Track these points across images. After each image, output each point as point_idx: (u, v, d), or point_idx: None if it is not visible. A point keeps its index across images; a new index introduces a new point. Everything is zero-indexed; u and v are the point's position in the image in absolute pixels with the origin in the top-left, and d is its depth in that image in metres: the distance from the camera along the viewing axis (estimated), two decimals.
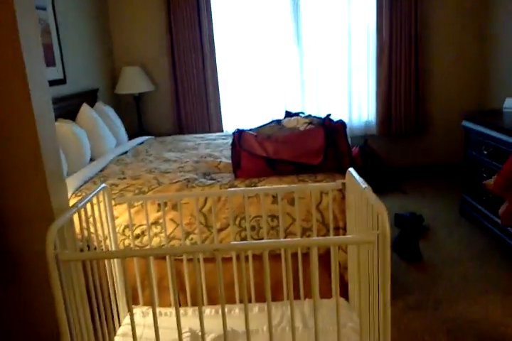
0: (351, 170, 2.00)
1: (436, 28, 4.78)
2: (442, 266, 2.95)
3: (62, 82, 3.74)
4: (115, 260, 1.99)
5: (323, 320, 1.84)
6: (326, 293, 2.23)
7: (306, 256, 2.22)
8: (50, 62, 3.56)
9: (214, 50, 4.79)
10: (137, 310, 2.08)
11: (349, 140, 3.06)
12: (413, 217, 3.50)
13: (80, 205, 1.59)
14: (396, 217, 3.53)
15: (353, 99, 4.95)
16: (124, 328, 1.95)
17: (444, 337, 2.24)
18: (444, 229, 3.53)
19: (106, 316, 1.74)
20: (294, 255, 2.09)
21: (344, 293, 2.23)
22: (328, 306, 2.05)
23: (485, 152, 3.26)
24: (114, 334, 1.87)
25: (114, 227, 2.03)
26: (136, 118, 4.90)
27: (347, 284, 2.24)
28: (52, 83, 3.49)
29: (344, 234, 2.37)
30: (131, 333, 1.51)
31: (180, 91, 4.85)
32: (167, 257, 2.11)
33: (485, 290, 2.63)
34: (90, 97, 4.15)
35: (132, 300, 2.02)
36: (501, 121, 3.28)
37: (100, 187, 1.87)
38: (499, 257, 3.02)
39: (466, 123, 3.57)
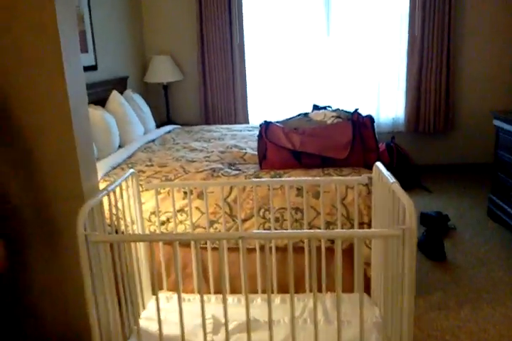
0: (379, 163, 1.99)
1: (471, 22, 4.68)
2: (467, 267, 2.91)
3: (93, 68, 3.79)
4: (141, 245, 2.01)
5: (344, 314, 1.83)
6: (347, 288, 2.22)
7: (329, 251, 2.22)
8: (82, 48, 3.60)
9: (243, 41, 4.79)
10: (161, 295, 2.11)
11: (376, 135, 3.03)
12: (439, 216, 3.45)
13: (110, 188, 1.62)
14: (422, 215, 3.49)
15: (382, 95, 4.90)
16: (147, 312, 1.97)
17: (466, 338, 2.21)
18: (469, 229, 3.48)
19: (131, 299, 1.77)
20: (317, 249, 2.09)
21: (366, 288, 2.22)
22: (350, 300, 2.05)
23: None
24: (139, 317, 1.90)
25: (141, 213, 2.05)
26: (164, 107, 4.93)
27: (369, 280, 2.23)
28: (84, 69, 3.52)
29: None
30: (155, 317, 1.53)
31: (208, 81, 4.86)
32: (192, 243, 2.13)
33: (510, 293, 2.58)
34: (120, 85, 4.19)
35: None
36: None
37: (129, 172, 1.89)
38: None
39: (497, 122, 3.50)
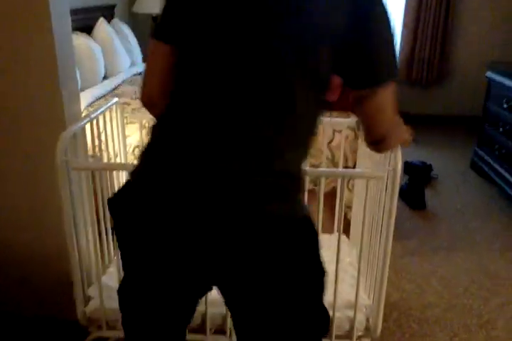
0: None
1: None
2: (445, 216, 2.96)
3: None
4: (124, 175, 1.98)
5: (323, 253, 1.86)
6: (328, 230, 2.24)
7: (311, 193, 2.22)
8: None
9: None
10: None
11: None
12: (422, 166, 3.47)
13: (92, 116, 1.56)
14: (405, 164, 3.50)
15: None
16: None
17: (437, 282, 2.28)
18: (452, 180, 3.51)
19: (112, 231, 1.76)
20: None
21: (346, 230, 2.25)
22: (330, 241, 2.08)
23: (505, 106, 3.17)
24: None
25: (125, 145, 2.01)
26: None
27: (349, 222, 2.25)
28: None
29: None
30: None
31: None
32: None
33: (484, 243, 2.65)
34: (107, 13, 3.99)
35: None
36: None
37: (114, 101, 1.83)
38: (503, 212, 3.02)
39: (489, 74, 3.44)
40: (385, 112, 1.07)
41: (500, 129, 3.23)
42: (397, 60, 1.10)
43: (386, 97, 1.05)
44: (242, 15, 0.96)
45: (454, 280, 2.31)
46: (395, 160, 1.41)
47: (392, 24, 0.99)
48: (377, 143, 1.14)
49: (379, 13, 0.97)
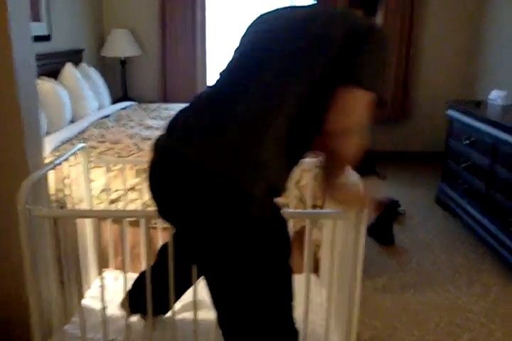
0: None
1: (429, 18, 4.76)
2: (414, 251, 3.00)
3: (47, 38, 3.63)
4: (88, 222, 1.96)
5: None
6: (297, 270, 2.24)
7: None
8: (35, 17, 3.44)
9: (205, 17, 4.69)
10: (109, 275, 2.07)
11: None
12: (390, 202, 3.52)
13: (56, 162, 1.56)
14: None
15: None
16: (92, 291, 1.93)
17: (408, 319, 2.28)
18: (418, 215, 3.57)
19: (76, 278, 1.72)
20: None
21: (315, 269, 2.24)
22: (299, 280, 2.07)
23: (466, 142, 3.28)
24: (83, 297, 1.86)
25: (89, 190, 2.00)
26: (121, 82, 4.79)
27: (318, 261, 2.25)
28: (37, 39, 3.38)
29: None
30: (99, 296, 1.50)
31: (167, 58, 4.75)
32: (141, 221, 2.09)
33: (452, 278, 2.68)
34: (75, 57, 4.03)
35: (103, 264, 2.00)
36: (485, 112, 3.30)
37: (79, 147, 1.83)
38: (469, 246, 3.07)
39: (450, 112, 3.58)
40: (349, 116, 1.19)
41: (462, 165, 3.33)
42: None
43: (349, 99, 1.18)
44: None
45: (425, 316, 2.31)
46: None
47: (379, 57, 1.20)
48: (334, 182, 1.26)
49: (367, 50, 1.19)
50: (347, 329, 1.53)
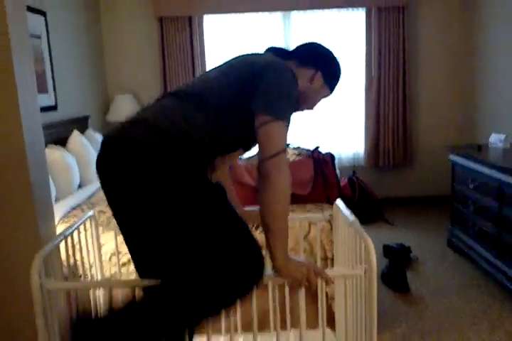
0: (339, 202, 2.02)
1: (424, 62, 4.92)
2: (429, 298, 2.95)
3: (53, 108, 3.77)
4: (100, 289, 1.97)
5: None
6: (312, 324, 2.21)
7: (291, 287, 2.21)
8: (42, 89, 3.59)
9: None
10: None
11: (338, 171, 3.10)
12: (401, 248, 3.50)
13: (67, 233, 1.59)
14: (384, 247, 3.54)
15: (342, 131, 5.03)
16: None
17: None
18: (431, 260, 3.54)
19: None
20: (281, 286, 2.08)
21: (331, 323, 2.21)
22: (315, 336, 2.04)
23: (471, 186, 3.30)
24: None
25: (100, 255, 2.02)
26: None
27: (334, 314, 2.22)
28: (44, 109, 3.52)
29: (332, 265, 2.37)
30: None
31: None
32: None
33: (471, 324, 2.62)
34: (81, 124, 4.17)
35: None
36: (487, 155, 3.34)
37: (87, 216, 1.86)
38: (485, 290, 3.02)
39: (452, 157, 3.62)
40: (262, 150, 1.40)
41: (471, 208, 3.33)
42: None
43: (262, 130, 1.41)
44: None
45: None
46: (370, 257, 1.43)
47: (279, 83, 1.45)
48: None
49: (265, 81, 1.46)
50: None
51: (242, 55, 1.64)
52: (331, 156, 2.92)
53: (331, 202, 2.78)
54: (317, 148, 3.04)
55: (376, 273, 1.44)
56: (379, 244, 3.65)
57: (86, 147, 3.62)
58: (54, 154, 3.07)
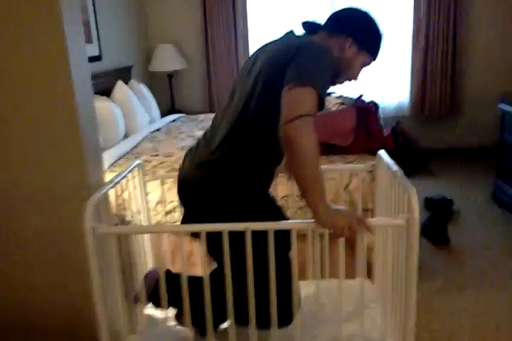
0: (382, 152, 2.00)
1: (478, 4, 4.63)
2: (470, 251, 2.94)
3: (98, 58, 3.80)
4: (147, 235, 2.05)
5: (348, 299, 1.87)
6: (350, 275, 2.25)
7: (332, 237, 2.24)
8: (87, 38, 3.61)
9: (247, 29, 4.78)
10: None
11: (381, 121, 3.04)
12: (443, 201, 3.47)
13: (116, 180, 1.65)
14: (426, 200, 3.51)
15: (387, 80, 4.88)
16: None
17: (467, 321, 2.25)
18: (474, 214, 3.50)
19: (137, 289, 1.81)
20: (321, 236, 2.11)
21: (369, 274, 2.24)
22: (353, 286, 2.08)
23: None
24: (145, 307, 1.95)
25: (146, 202, 2.09)
26: (169, 95, 4.95)
27: (371, 266, 2.25)
28: (89, 60, 3.54)
29: (372, 216, 2.38)
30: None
31: (212, 69, 4.87)
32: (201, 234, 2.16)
33: (509, 277, 2.62)
34: (125, 74, 4.20)
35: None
36: None
37: (135, 164, 1.92)
38: None
39: (502, 106, 3.48)
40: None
41: None
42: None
43: (287, 96, 1.36)
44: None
45: (485, 318, 2.27)
46: (413, 207, 1.42)
47: (308, 55, 1.42)
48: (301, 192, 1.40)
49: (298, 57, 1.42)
50: (404, 333, 1.53)
51: (266, 47, 1.61)
52: (375, 105, 2.86)
53: (373, 153, 2.75)
54: (361, 96, 2.97)
55: (419, 223, 1.43)
56: (421, 197, 3.62)
57: (130, 97, 3.67)
58: (99, 105, 3.13)
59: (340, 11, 1.60)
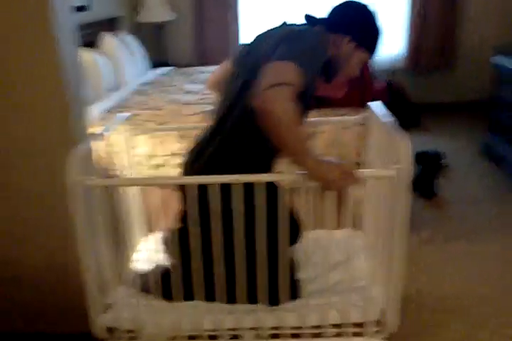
0: (375, 103, 1.97)
1: None
2: (459, 203, 2.97)
3: (84, 8, 3.66)
4: (135, 187, 2.04)
5: (337, 249, 1.90)
6: (340, 225, 2.26)
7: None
8: None
9: None
10: (153, 237, 2.13)
11: (375, 74, 2.97)
12: (434, 154, 3.46)
13: (103, 133, 1.62)
14: (417, 154, 3.50)
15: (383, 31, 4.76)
16: (138, 255, 2.01)
17: (455, 271, 2.30)
18: (464, 167, 3.51)
19: (126, 243, 1.81)
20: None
21: (359, 225, 2.26)
22: (343, 235, 2.11)
23: None
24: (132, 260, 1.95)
25: (134, 157, 2.07)
26: (159, 48, 4.82)
27: (359, 218, 2.27)
28: (75, 10, 3.42)
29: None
30: (146, 259, 1.56)
31: (202, 21, 4.72)
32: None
33: (500, 227, 2.65)
34: (112, 25, 4.07)
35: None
36: None
37: (124, 117, 1.88)
38: None
39: (497, 58, 3.42)
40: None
41: (510, 114, 3.21)
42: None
43: (267, 68, 1.32)
44: None
45: (471, 268, 2.31)
46: (405, 157, 1.40)
47: (298, 40, 1.42)
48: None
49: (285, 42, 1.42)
50: (392, 283, 1.56)
51: (261, 38, 1.59)
52: None
53: (366, 106, 2.71)
54: None
55: (409, 175, 1.42)
56: (413, 151, 3.61)
57: (118, 49, 3.57)
58: (86, 56, 3.05)
59: (339, 5, 1.57)
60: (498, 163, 3.48)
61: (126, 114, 1.96)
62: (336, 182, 1.34)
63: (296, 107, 1.27)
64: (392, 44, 4.81)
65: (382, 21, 1.57)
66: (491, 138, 3.56)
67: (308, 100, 1.44)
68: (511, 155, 3.22)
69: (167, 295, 1.60)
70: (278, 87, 1.25)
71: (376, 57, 4.31)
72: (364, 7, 1.56)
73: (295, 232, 1.59)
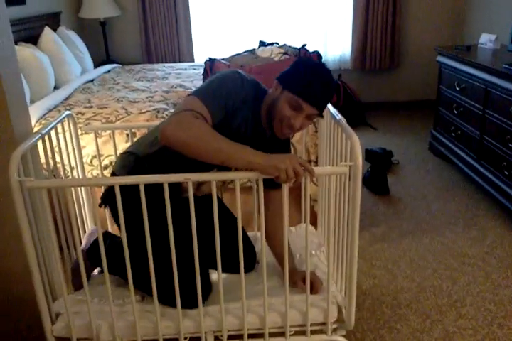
0: None
1: None
2: (409, 200, 3.03)
3: (21, 2, 3.48)
4: (83, 189, 1.95)
5: (294, 246, 1.88)
6: (295, 223, 2.26)
7: None
8: None
9: None
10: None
11: None
12: (383, 152, 3.53)
13: (44, 131, 1.52)
14: (366, 152, 3.56)
15: (329, 33, 4.81)
16: None
17: (407, 266, 2.33)
18: (412, 164, 3.59)
19: (74, 244, 1.73)
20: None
21: (313, 223, 2.26)
22: (297, 232, 2.10)
23: (457, 88, 3.25)
24: None
25: (81, 157, 1.97)
26: (103, 45, 4.66)
27: (316, 215, 2.27)
28: (11, 2, 3.24)
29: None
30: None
31: (148, 17, 4.60)
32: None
33: (448, 223, 2.72)
34: (52, 21, 3.89)
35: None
36: (475, 56, 3.25)
37: (65, 114, 1.79)
38: (464, 192, 3.10)
39: (440, 58, 3.52)
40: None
41: (455, 111, 3.31)
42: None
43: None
44: None
45: (423, 262, 2.36)
46: (355, 155, 1.41)
47: (210, 80, 1.53)
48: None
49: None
50: (347, 280, 1.55)
51: None
52: (318, 54, 2.81)
53: None
54: (304, 45, 2.91)
55: (361, 172, 1.43)
56: (362, 149, 3.67)
57: (59, 46, 3.42)
58: (25, 52, 2.89)
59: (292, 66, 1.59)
60: (443, 158, 3.59)
61: (68, 112, 1.86)
62: (289, 170, 1.33)
63: (201, 121, 1.36)
64: (339, 45, 4.87)
65: (326, 77, 1.57)
66: (436, 135, 3.66)
67: (239, 131, 1.54)
68: (455, 151, 3.32)
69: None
70: (181, 113, 1.37)
71: (325, 58, 4.32)
72: (310, 63, 1.58)
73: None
